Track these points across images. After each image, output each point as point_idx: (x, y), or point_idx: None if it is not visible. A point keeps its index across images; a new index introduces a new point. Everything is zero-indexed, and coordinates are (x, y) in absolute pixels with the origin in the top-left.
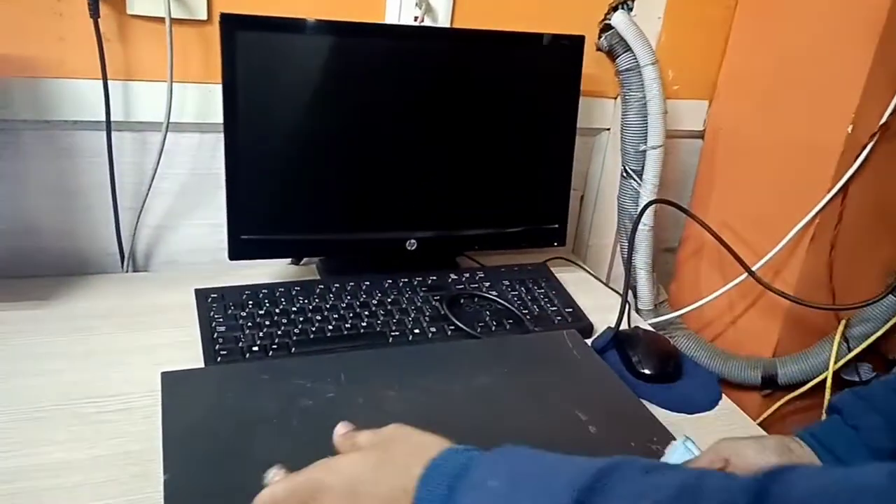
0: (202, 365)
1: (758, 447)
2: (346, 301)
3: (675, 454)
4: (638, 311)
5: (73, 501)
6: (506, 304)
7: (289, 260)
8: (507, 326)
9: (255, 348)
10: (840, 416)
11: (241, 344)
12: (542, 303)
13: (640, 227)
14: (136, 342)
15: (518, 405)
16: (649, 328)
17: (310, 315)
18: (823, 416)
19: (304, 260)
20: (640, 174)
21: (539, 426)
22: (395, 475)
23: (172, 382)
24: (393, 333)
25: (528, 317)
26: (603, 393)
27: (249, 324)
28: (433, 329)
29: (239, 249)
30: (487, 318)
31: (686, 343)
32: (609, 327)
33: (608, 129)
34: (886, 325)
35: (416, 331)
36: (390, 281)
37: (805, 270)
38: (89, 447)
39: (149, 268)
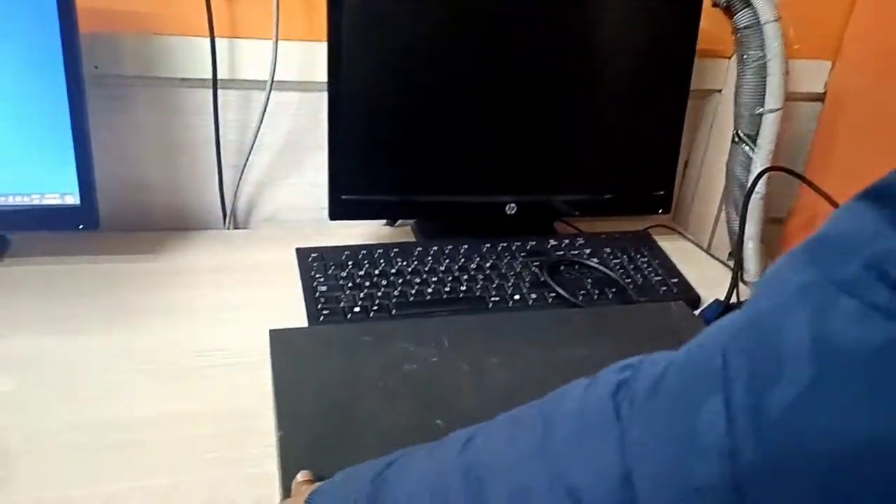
0: (305, 323)
1: None
2: (445, 264)
3: None
4: (744, 282)
5: (186, 455)
6: (608, 272)
7: (384, 221)
8: (610, 296)
9: (357, 309)
10: None
11: (342, 304)
12: (646, 272)
13: (753, 195)
14: (239, 298)
15: None
16: None
17: (409, 278)
18: None
19: (400, 222)
20: (753, 139)
21: None
22: None
23: (280, 340)
24: (493, 299)
25: (631, 286)
26: None
27: (350, 284)
28: (533, 295)
29: (339, 209)
30: (589, 287)
31: None
32: (717, 300)
33: (719, 91)
34: None
35: (516, 297)
36: (488, 245)
37: None
38: (199, 401)
39: (249, 225)
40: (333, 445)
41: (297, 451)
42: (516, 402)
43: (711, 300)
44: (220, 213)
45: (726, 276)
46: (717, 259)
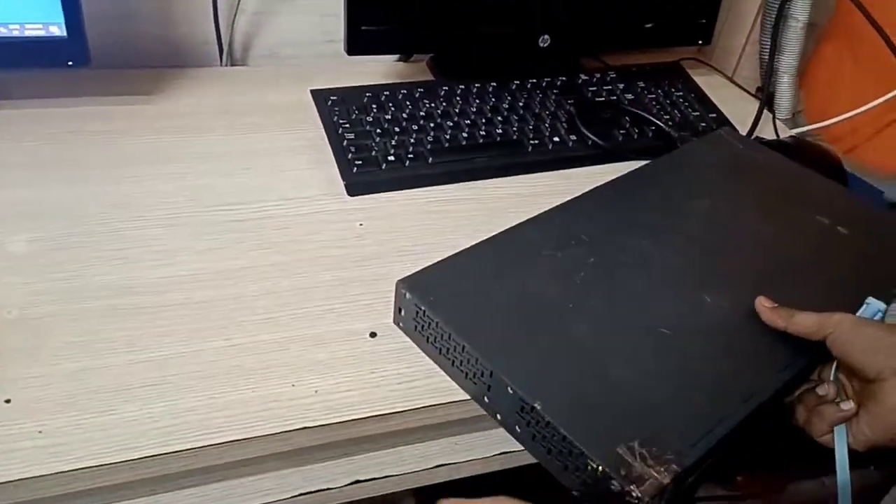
0: (335, 170)
1: (868, 331)
2: (476, 105)
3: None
4: (775, 119)
5: (230, 315)
6: (644, 113)
7: (397, 57)
8: (650, 134)
9: (391, 158)
10: None
11: (374, 153)
12: (682, 107)
13: (790, 21)
14: (254, 144)
15: (754, 223)
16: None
17: (439, 121)
18: None
19: (413, 57)
20: None
21: (797, 241)
22: None
23: (419, 287)
24: (532, 142)
25: (669, 123)
26: (821, 190)
27: (378, 130)
28: (573, 137)
29: (358, 42)
30: (628, 126)
31: None
32: (759, 137)
33: None
34: None
35: (556, 139)
36: (517, 83)
37: None
38: (233, 257)
39: (247, 61)
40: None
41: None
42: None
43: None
44: (217, 48)
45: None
46: (749, 92)
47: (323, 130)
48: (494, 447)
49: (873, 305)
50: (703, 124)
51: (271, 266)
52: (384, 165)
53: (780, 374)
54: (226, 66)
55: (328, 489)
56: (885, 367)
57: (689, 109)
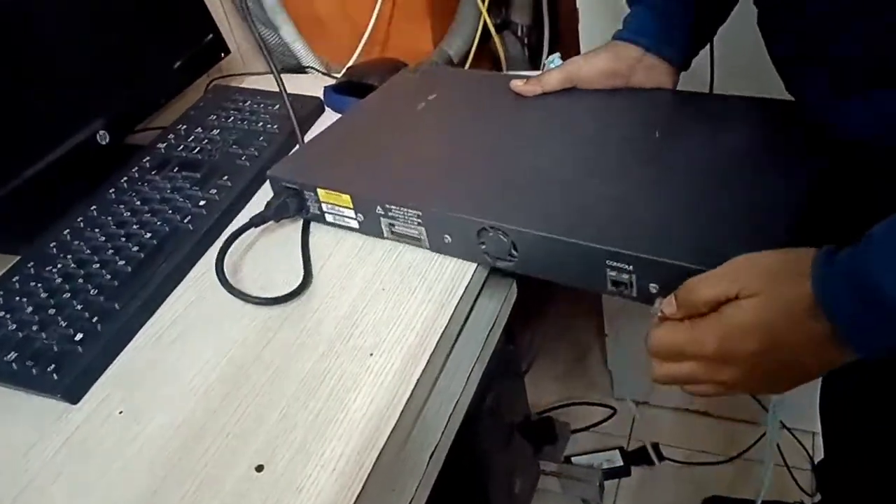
0: (35, 398)
1: (589, 57)
2: (101, 232)
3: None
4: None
5: None
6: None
7: None
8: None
9: (80, 334)
10: (642, 4)
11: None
12: (263, 115)
13: None
14: None
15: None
16: None
17: (80, 282)
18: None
19: None
20: None
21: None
22: (788, 310)
23: None
24: (187, 224)
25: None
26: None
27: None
28: (203, 205)
29: None
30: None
31: None
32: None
33: None
34: None
35: (204, 204)
36: (112, 190)
37: None
38: None
39: None
40: None
41: None
42: None
43: None
44: None
45: None
46: (288, 71)
47: None
48: None
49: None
50: (303, 108)
51: None
52: (80, 348)
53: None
54: None
55: None
56: None
57: (270, 109)
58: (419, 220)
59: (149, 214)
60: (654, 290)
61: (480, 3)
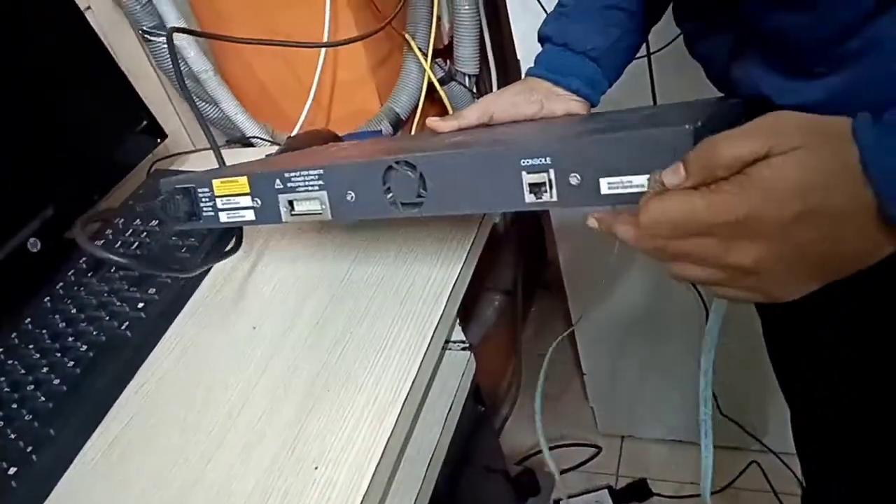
0: None
1: (503, 90)
2: (23, 351)
3: None
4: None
5: None
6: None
7: None
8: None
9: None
10: (550, 42)
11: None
12: None
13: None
14: None
15: None
16: None
17: (15, 406)
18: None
19: None
20: None
21: None
22: (833, 168)
23: None
24: (125, 331)
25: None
26: None
27: None
28: (150, 293)
29: None
30: (179, 242)
31: None
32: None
33: None
34: None
35: (143, 304)
36: (47, 298)
37: None
38: None
39: None
40: None
41: None
42: None
43: None
44: None
45: None
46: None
47: None
48: None
49: None
50: None
51: None
52: (14, 482)
53: None
54: None
55: None
56: None
57: None
58: (320, 183)
59: (84, 323)
60: (574, 182)
61: (423, 59)
